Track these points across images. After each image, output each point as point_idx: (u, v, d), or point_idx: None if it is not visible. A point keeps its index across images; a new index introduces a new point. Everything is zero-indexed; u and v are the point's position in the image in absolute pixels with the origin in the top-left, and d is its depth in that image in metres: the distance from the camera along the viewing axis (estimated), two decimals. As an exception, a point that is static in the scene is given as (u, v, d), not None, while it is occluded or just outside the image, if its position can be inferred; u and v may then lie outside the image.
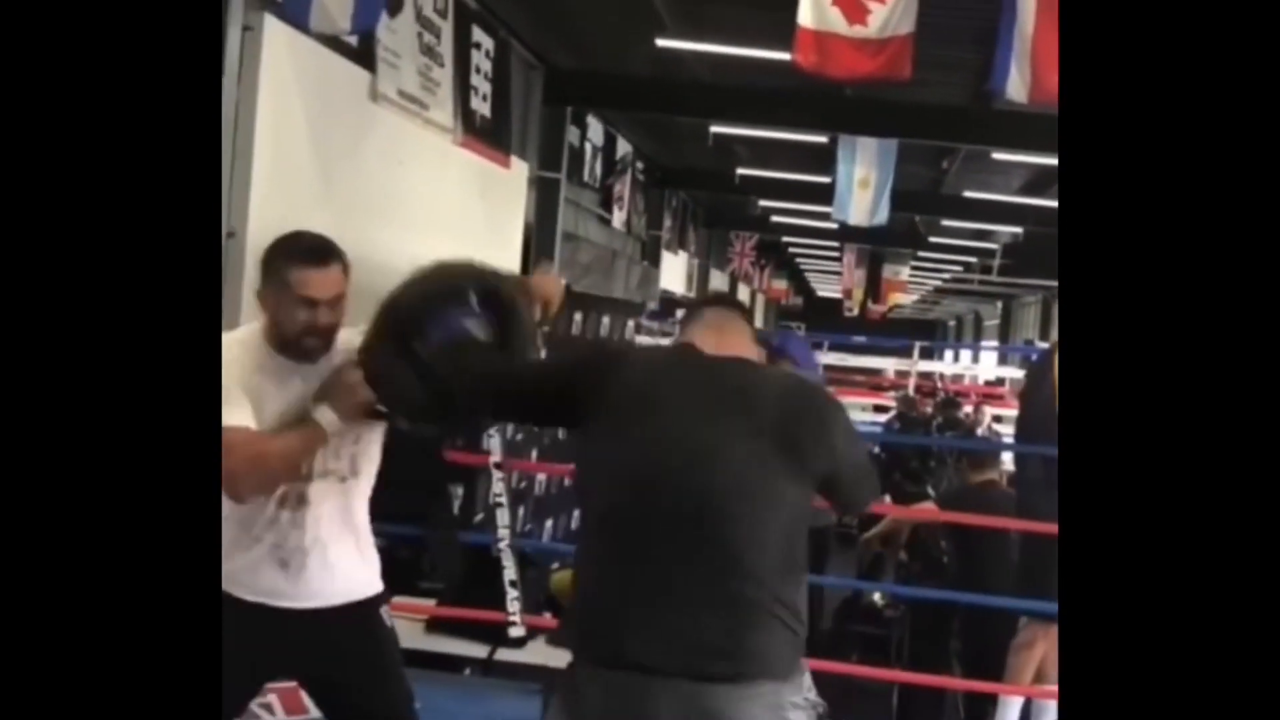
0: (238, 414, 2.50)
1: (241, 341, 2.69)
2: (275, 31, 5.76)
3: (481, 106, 9.07)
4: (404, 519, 4.80)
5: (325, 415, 2.57)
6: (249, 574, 2.68)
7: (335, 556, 2.79)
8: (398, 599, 4.97)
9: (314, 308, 2.62)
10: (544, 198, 11.27)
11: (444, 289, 2.59)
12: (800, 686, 2.18)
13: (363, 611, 2.82)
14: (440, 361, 2.47)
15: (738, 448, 2.16)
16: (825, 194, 13.13)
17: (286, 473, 2.59)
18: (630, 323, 9.59)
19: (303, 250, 2.69)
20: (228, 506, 2.55)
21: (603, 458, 2.25)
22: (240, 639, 2.35)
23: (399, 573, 5.51)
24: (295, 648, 2.73)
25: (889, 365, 18.83)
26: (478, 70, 8.96)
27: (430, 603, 4.80)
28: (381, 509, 4.81)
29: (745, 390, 2.25)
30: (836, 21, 5.17)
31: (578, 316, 7.82)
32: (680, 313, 17.86)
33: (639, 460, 2.17)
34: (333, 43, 6.22)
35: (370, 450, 2.89)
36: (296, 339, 2.63)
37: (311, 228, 6.61)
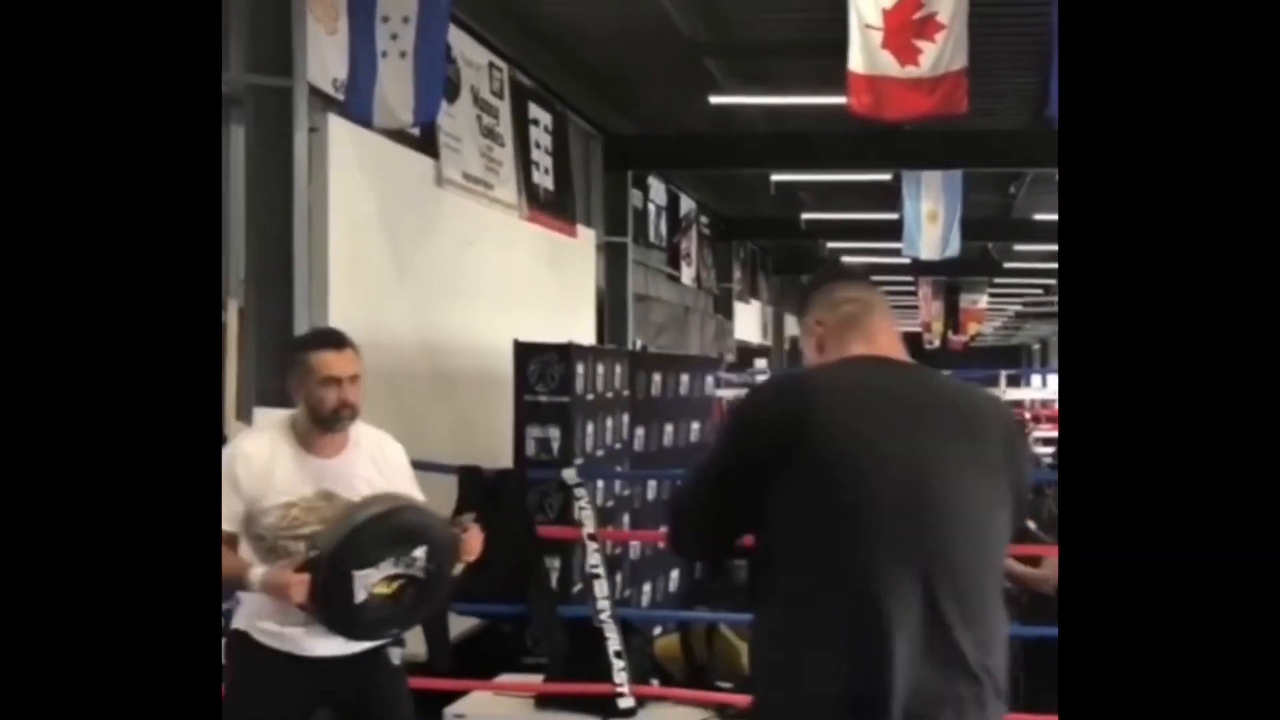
0: (281, 492, 2.94)
1: (254, 440, 3.06)
2: (340, 129, 5.93)
3: (544, 180, 9.22)
4: (503, 596, 4.82)
5: (255, 580, 2.85)
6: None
7: None
8: (504, 677, 4.99)
9: (339, 385, 2.98)
10: (613, 262, 11.38)
11: (392, 534, 2.93)
12: None
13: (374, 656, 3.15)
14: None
15: (978, 489, 1.89)
16: (894, 230, 13.07)
17: None
18: (709, 378, 9.58)
19: (322, 339, 3.17)
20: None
21: (823, 513, 1.87)
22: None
23: (503, 649, 5.55)
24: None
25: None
26: (538, 145, 9.12)
27: (537, 679, 4.80)
28: (480, 587, 4.86)
29: (962, 411, 1.96)
30: (888, 64, 5.17)
31: (656, 377, 7.85)
32: (760, 362, 17.87)
33: (877, 510, 1.85)
34: (396, 134, 6.38)
35: None
36: (332, 415, 2.99)
37: (388, 315, 6.76)
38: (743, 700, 4.55)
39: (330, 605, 2.88)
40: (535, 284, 8.86)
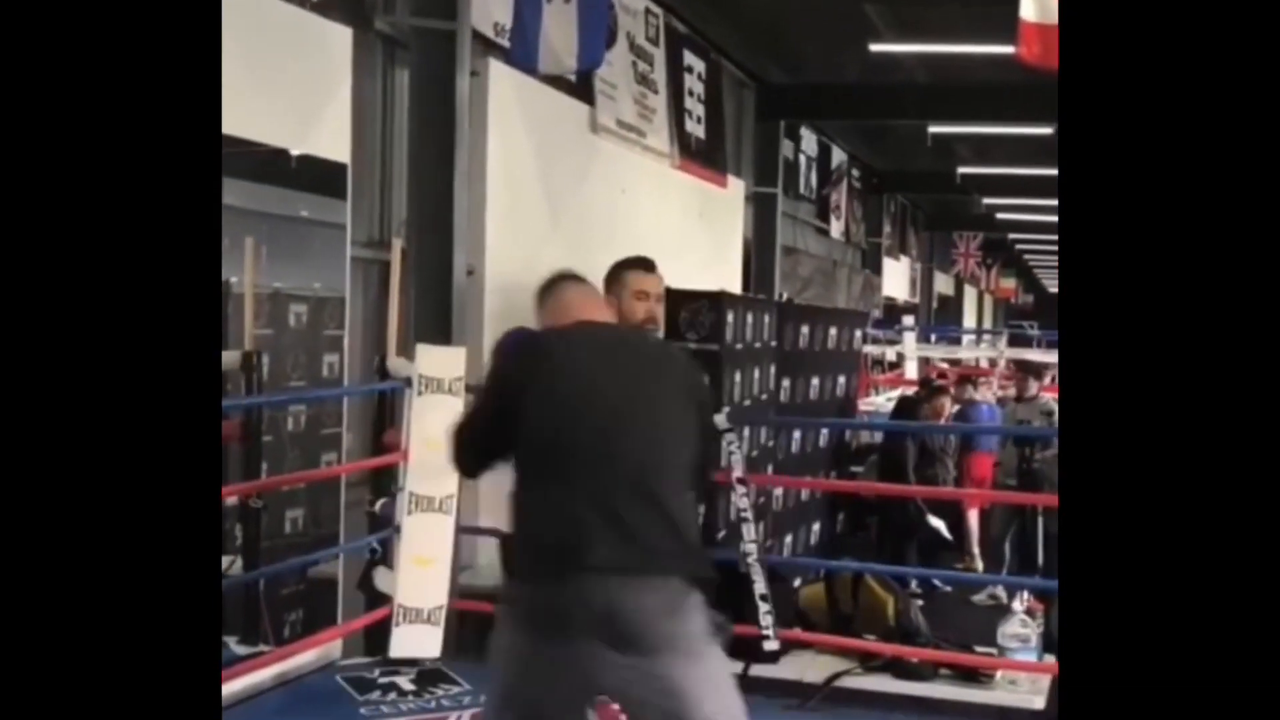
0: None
1: None
2: (500, 74, 6.01)
3: (696, 129, 9.19)
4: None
5: None
6: None
7: None
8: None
9: (648, 300, 3.68)
10: (761, 213, 11.31)
11: None
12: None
13: None
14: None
15: (663, 403, 2.63)
16: (1052, 187, 12.66)
17: None
18: (857, 332, 9.48)
19: (637, 261, 3.85)
20: None
21: (549, 414, 2.58)
22: None
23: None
24: None
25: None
26: (691, 93, 9.09)
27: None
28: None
29: (652, 353, 2.84)
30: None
31: (804, 329, 7.80)
32: (908, 319, 17.59)
33: (586, 411, 2.57)
34: (553, 79, 6.43)
35: None
36: (640, 325, 3.59)
37: (542, 260, 6.87)
38: (888, 650, 4.55)
39: None
40: (684, 233, 8.86)
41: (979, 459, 8.83)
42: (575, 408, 2.57)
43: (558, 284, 2.90)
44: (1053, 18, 5.00)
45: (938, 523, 7.45)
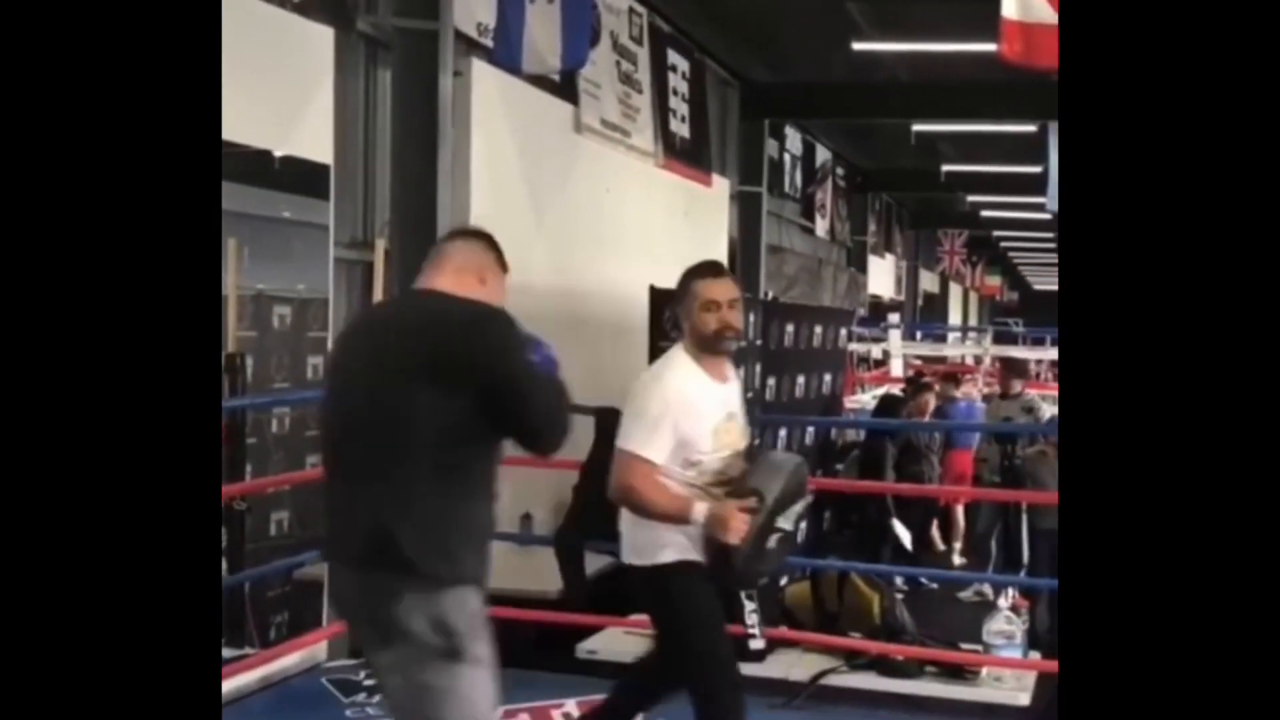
0: (654, 448, 3.07)
1: (680, 373, 3.21)
2: (483, 74, 6.00)
3: (680, 128, 9.19)
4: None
5: (699, 514, 3.03)
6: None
7: None
8: (636, 615, 5.07)
9: (719, 308, 3.20)
10: (746, 211, 11.31)
11: (800, 486, 3.23)
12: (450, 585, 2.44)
13: None
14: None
15: (400, 381, 2.46)
16: (1037, 184, 12.71)
17: (649, 515, 3.14)
18: (843, 330, 9.49)
19: (703, 268, 3.37)
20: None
21: (324, 406, 2.67)
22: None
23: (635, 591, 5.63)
24: None
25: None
26: (675, 92, 9.09)
27: (666, 619, 4.87)
28: (613, 528, 4.93)
29: (416, 323, 2.57)
30: (1042, 10, 5.00)
31: (789, 328, 7.81)
32: (893, 317, 17.62)
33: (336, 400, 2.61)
34: (537, 79, 6.42)
35: None
36: (715, 337, 3.19)
37: (528, 259, 6.86)
38: (873, 647, 4.56)
39: (759, 548, 3.06)
40: (669, 232, 8.87)
41: (958, 455, 8.86)
42: (331, 399, 2.61)
43: (434, 247, 2.80)
44: (1034, 16, 5.03)
45: (903, 531, 7.46)
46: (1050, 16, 5.00)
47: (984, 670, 4.52)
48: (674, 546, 3.12)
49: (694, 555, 3.09)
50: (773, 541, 3.07)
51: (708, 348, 3.20)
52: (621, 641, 4.75)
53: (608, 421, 4.95)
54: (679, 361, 3.22)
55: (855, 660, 4.56)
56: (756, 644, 4.52)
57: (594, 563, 5.39)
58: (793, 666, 4.54)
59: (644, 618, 5.04)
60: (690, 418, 3.10)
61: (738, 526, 2.98)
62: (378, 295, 5.28)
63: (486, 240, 2.78)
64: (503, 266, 2.77)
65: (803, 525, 3.25)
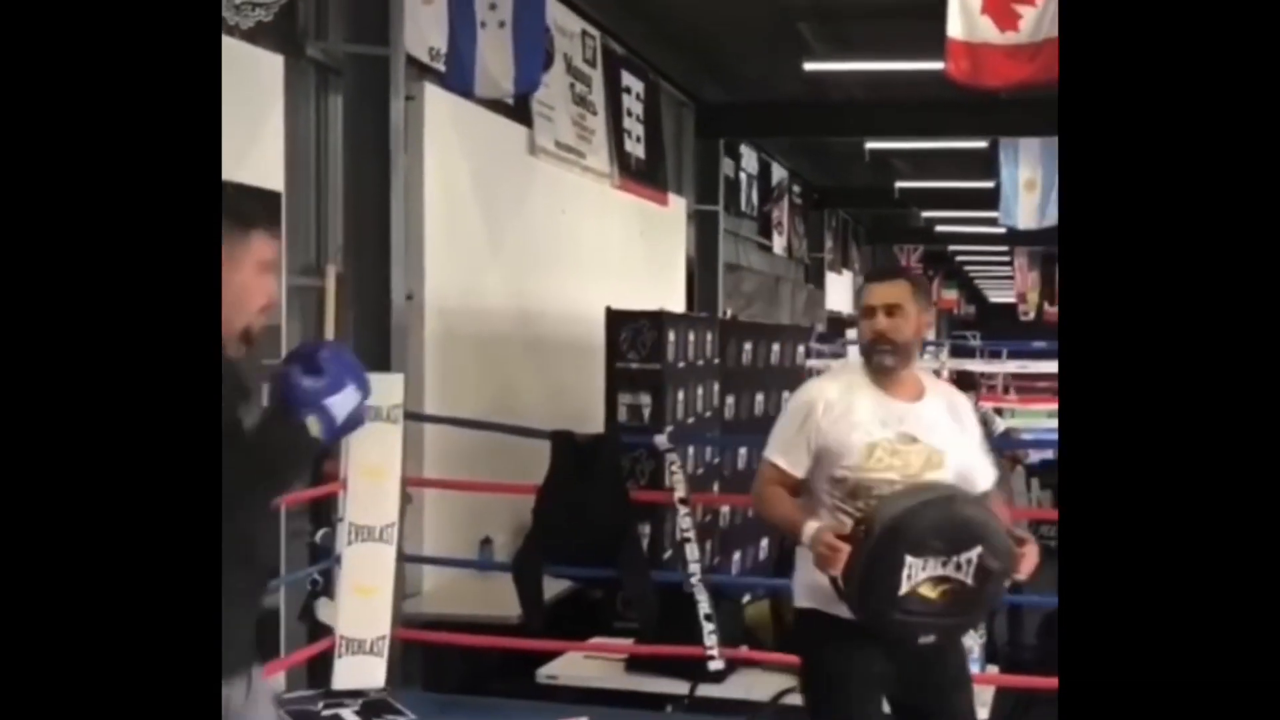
0: (785, 453, 2.87)
1: (839, 380, 2.98)
2: (436, 98, 5.99)
3: (636, 148, 9.22)
4: (595, 560, 4.89)
5: (807, 533, 2.73)
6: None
7: None
8: (596, 639, 5.06)
9: (874, 315, 2.88)
10: (704, 230, 11.35)
11: (953, 524, 2.69)
12: None
13: None
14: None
15: None
16: (989, 199, 12.84)
17: (770, 525, 3.01)
18: (800, 348, 9.54)
19: (870, 272, 3.05)
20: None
21: None
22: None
23: (594, 613, 5.63)
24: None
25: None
26: (629, 113, 9.12)
27: (628, 642, 4.87)
28: (572, 552, 4.93)
29: None
30: (988, 30, 5.07)
31: (747, 346, 7.83)
32: (851, 332, 17.70)
33: None
34: (491, 102, 6.43)
35: None
36: (869, 348, 2.90)
37: (483, 282, 6.83)
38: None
39: (868, 587, 2.63)
40: (627, 252, 8.89)
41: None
42: None
43: None
44: (980, 36, 5.09)
45: None
46: (996, 37, 5.07)
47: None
48: (809, 590, 2.82)
49: (834, 607, 2.75)
50: (906, 585, 2.58)
51: (866, 359, 2.92)
52: (581, 666, 4.74)
53: (563, 445, 4.96)
54: (847, 368, 3.01)
55: (816, 679, 4.56)
56: (715, 665, 4.52)
57: (553, 587, 5.37)
58: (753, 686, 4.55)
59: (605, 641, 5.05)
60: (837, 427, 2.81)
61: (828, 555, 2.61)
62: (330, 322, 5.25)
63: None
64: None
65: (1003, 581, 2.72)
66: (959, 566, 2.62)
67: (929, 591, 2.61)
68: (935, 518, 2.65)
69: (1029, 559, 2.74)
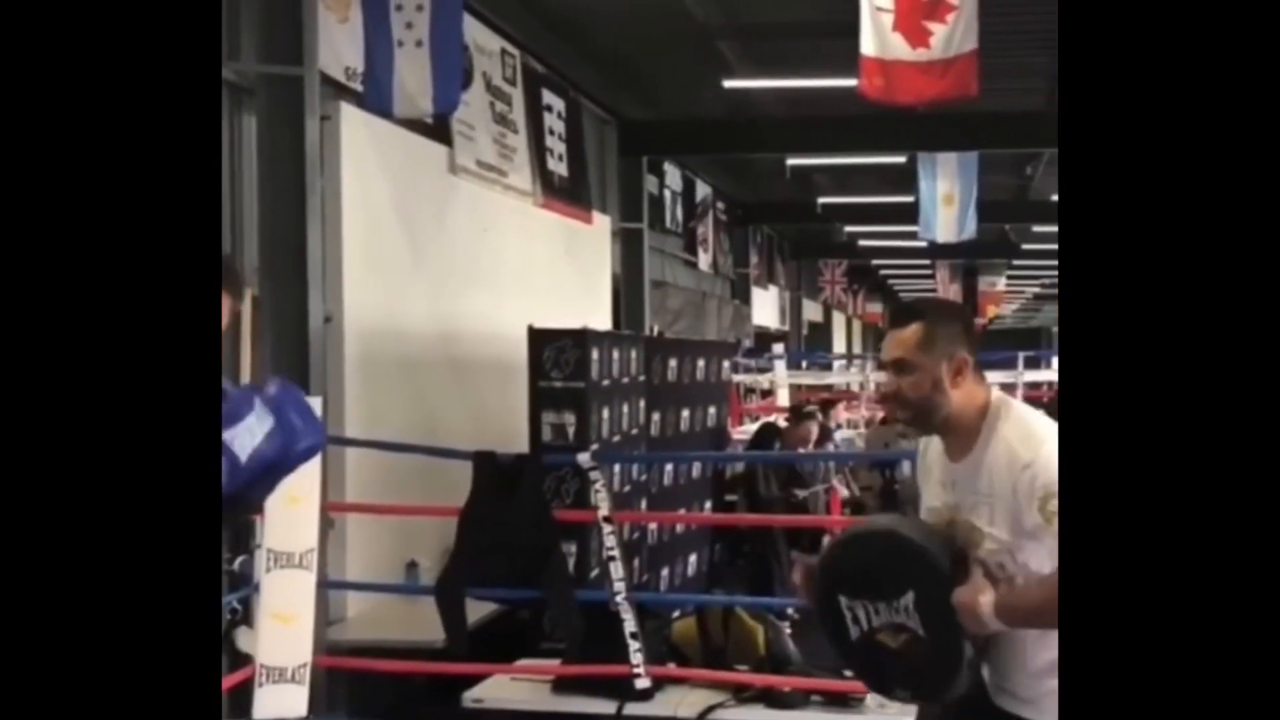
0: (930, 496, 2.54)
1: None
2: (353, 118, 5.94)
3: (558, 167, 9.21)
4: (520, 581, 4.85)
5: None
6: None
7: None
8: (522, 661, 5.02)
9: (888, 369, 2.48)
10: (628, 248, 11.37)
11: (879, 562, 2.42)
12: None
13: None
14: None
15: None
16: (910, 213, 13.04)
17: None
18: (726, 363, 9.58)
19: (889, 313, 2.71)
20: None
21: None
22: None
23: (520, 634, 5.58)
24: None
25: (994, 379, 18.45)
26: (551, 132, 9.11)
27: (554, 663, 4.83)
28: (497, 573, 4.89)
29: None
30: (899, 47, 5.16)
31: (672, 362, 7.85)
32: (778, 347, 17.86)
33: None
34: (409, 122, 6.38)
35: None
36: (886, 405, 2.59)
37: (404, 302, 6.77)
38: (760, 681, 4.57)
39: (826, 626, 2.45)
40: (551, 271, 8.87)
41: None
42: None
43: None
44: (893, 54, 5.18)
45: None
46: (908, 54, 5.16)
47: (868, 697, 4.56)
48: None
49: None
50: (855, 630, 2.36)
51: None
52: (508, 688, 4.69)
53: (485, 466, 4.93)
54: None
55: (742, 694, 4.57)
56: (642, 684, 4.51)
57: (481, 609, 5.33)
58: (680, 704, 4.53)
59: (531, 663, 5.01)
60: (925, 489, 2.56)
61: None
62: (246, 343, 5.17)
63: None
64: None
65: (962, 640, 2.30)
66: (898, 611, 2.34)
67: (889, 640, 2.35)
68: (860, 555, 2.42)
69: (964, 596, 2.28)
